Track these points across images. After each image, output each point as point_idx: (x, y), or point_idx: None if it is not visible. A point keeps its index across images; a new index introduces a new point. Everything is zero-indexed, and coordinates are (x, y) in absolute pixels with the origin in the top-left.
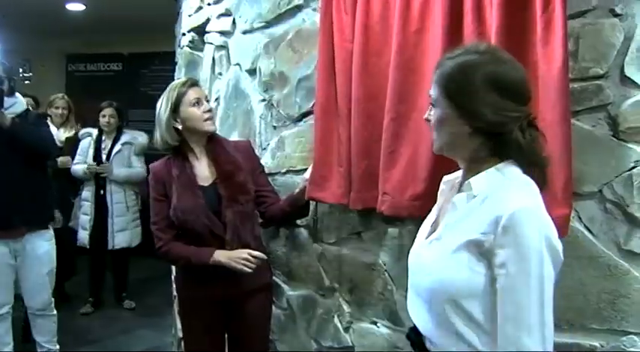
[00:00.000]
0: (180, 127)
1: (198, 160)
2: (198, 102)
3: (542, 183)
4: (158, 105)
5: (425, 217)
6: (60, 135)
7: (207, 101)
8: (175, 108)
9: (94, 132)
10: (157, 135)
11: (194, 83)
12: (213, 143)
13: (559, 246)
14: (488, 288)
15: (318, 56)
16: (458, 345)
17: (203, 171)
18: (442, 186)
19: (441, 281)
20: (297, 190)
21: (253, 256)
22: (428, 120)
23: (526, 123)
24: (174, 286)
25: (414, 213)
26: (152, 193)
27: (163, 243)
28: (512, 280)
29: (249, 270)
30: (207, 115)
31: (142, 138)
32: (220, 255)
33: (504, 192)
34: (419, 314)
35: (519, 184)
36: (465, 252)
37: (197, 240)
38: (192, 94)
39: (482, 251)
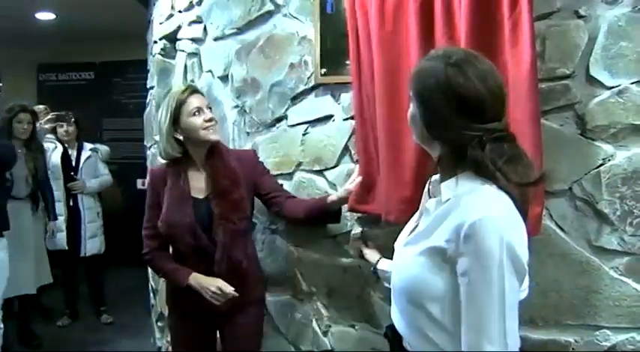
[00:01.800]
0: (181, 138)
1: (196, 171)
2: (199, 111)
3: (519, 198)
4: (159, 114)
5: None
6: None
7: (210, 109)
8: (175, 119)
9: (56, 142)
10: (160, 146)
11: (194, 90)
12: (214, 154)
13: (524, 256)
14: (451, 293)
15: (350, 62)
16: (427, 346)
17: (199, 182)
18: (428, 187)
19: (407, 284)
20: (330, 198)
21: (224, 291)
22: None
23: (490, 138)
24: (151, 295)
25: None
26: (147, 198)
27: (148, 250)
28: (473, 289)
29: (217, 303)
30: (208, 124)
31: (103, 146)
32: (195, 280)
33: (468, 200)
34: (395, 315)
35: (484, 192)
36: (428, 257)
37: (183, 256)
38: (192, 103)
39: (445, 258)
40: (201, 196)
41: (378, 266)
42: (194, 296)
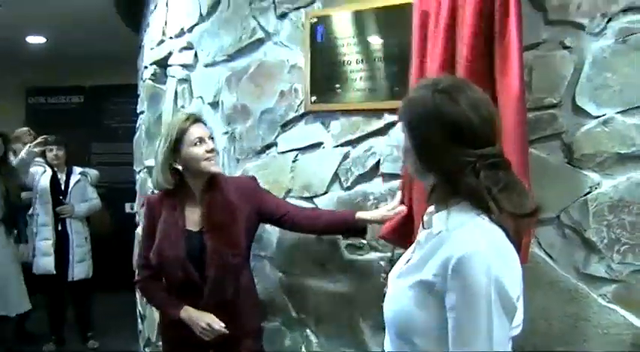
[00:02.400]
0: (180, 167)
1: (193, 203)
2: (200, 141)
3: (514, 229)
4: (157, 142)
5: None
6: None
7: (212, 139)
8: (175, 148)
9: (48, 168)
10: (155, 175)
11: (197, 119)
12: (213, 186)
13: (513, 292)
14: (438, 328)
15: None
16: None
17: (195, 215)
18: (425, 218)
19: (396, 316)
20: (360, 215)
21: (212, 327)
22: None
23: (484, 165)
24: (139, 321)
25: None
26: (144, 225)
27: (141, 278)
28: (460, 325)
29: (207, 339)
30: (209, 155)
31: (93, 171)
32: (186, 313)
33: (458, 234)
34: (386, 345)
35: (473, 226)
36: (417, 291)
37: (173, 288)
38: (194, 132)
39: (433, 292)
40: (195, 229)
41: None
42: (187, 327)
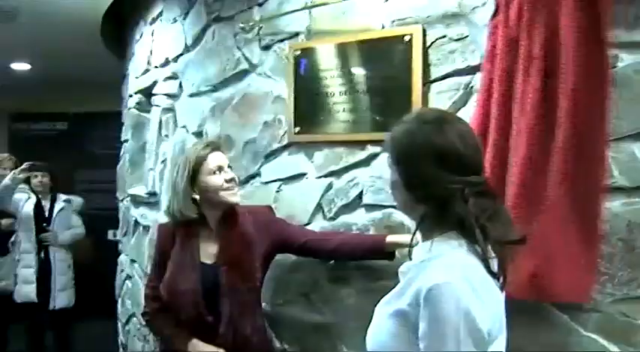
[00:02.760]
0: (197, 197)
1: (208, 234)
2: (219, 170)
3: (499, 257)
4: (173, 171)
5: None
6: None
7: (230, 168)
8: (193, 176)
9: (32, 195)
10: (175, 206)
11: (216, 148)
12: (229, 217)
13: (483, 324)
14: None
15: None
16: None
17: (210, 247)
18: (406, 250)
19: (374, 344)
20: (391, 238)
21: None
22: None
23: (472, 192)
24: (121, 350)
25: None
26: (153, 255)
27: (149, 310)
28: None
29: None
30: (229, 185)
31: (77, 198)
32: (193, 348)
33: (431, 266)
34: None
35: (450, 257)
36: (395, 320)
37: (185, 325)
38: (213, 161)
39: (408, 321)
40: (210, 262)
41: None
42: None
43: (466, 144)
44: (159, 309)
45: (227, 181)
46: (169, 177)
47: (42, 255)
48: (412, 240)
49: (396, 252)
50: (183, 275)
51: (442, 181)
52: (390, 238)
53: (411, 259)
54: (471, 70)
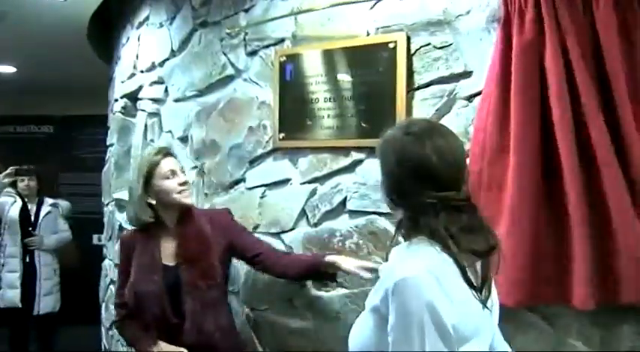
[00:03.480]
0: (152, 202)
1: (167, 237)
2: (172, 174)
3: (480, 265)
4: (131, 178)
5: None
6: None
7: (183, 172)
8: (147, 182)
9: (18, 199)
10: (131, 212)
11: (168, 153)
12: (186, 218)
13: (448, 318)
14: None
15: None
16: None
17: (170, 249)
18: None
19: (355, 340)
20: (330, 258)
21: None
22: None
23: (442, 206)
24: None
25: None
26: (119, 263)
27: (118, 318)
28: (395, 346)
29: None
30: (182, 188)
31: (64, 202)
32: (158, 349)
33: (400, 262)
34: None
35: (415, 255)
36: (371, 316)
37: (151, 326)
38: (165, 166)
39: (380, 316)
40: (171, 263)
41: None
42: None
43: (444, 160)
44: (126, 316)
45: (180, 185)
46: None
47: (27, 259)
48: (392, 240)
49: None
50: (146, 278)
51: (415, 194)
52: (328, 258)
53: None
54: (455, 78)
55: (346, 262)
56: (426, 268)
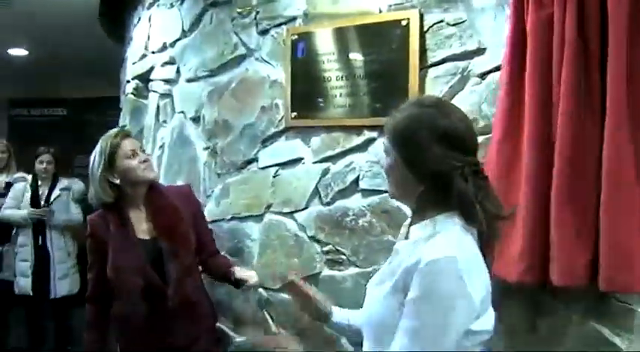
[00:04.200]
0: (117, 182)
1: (138, 213)
2: (133, 154)
3: (492, 233)
4: (91, 160)
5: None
6: (0, 180)
7: (143, 151)
8: (110, 163)
9: (29, 177)
10: (92, 191)
11: (127, 134)
12: (153, 193)
13: (477, 300)
14: None
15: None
16: None
17: (142, 224)
18: (403, 230)
19: (371, 320)
20: (233, 277)
21: None
22: (382, 167)
23: (470, 171)
24: None
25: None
26: (90, 249)
27: (91, 318)
28: (413, 319)
29: None
30: (144, 166)
31: (78, 184)
32: None
33: (431, 242)
34: (364, 348)
35: (448, 234)
36: (391, 296)
37: (136, 300)
38: (126, 146)
39: (401, 293)
40: (147, 237)
41: (334, 320)
42: (142, 334)
43: (467, 125)
44: (98, 314)
45: (141, 162)
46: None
47: (40, 242)
48: (412, 219)
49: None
50: (126, 253)
51: (445, 160)
52: (234, 269)
53: (407, 239)
54: (469, 55)
55: (246, 275)
56: (459, 248)
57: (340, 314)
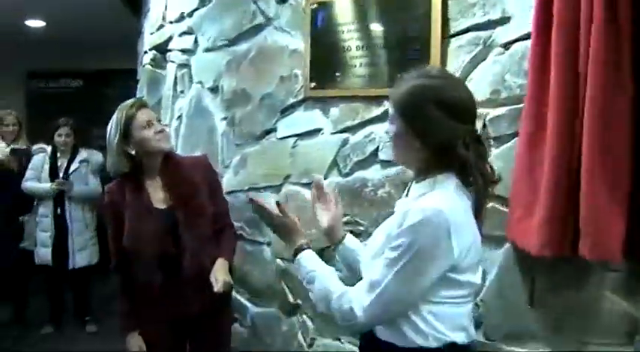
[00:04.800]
0: (133, 152)
1: (153, 183)
2: (149, 124)
3: (486, 196)
4: (108, 130)
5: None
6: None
7: (159, 121)
8: (126, 133)
9: (48, 149)
10: (109, 161)
11: (143, 105)
12: (169, 163)
13: (457, 255)
14: None
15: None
16: (396, 335)
17: (159, 193)
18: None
19: (367, 264)
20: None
21: None
22: (387, 133)
23: (471, 139)
24: None
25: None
26: (108, 218)
27: (116, 265)
28: (394, 259)
29: None
30: (159, 136)
31: (97, 156)
32: (133, 339)
33: (425, 196)
34: None
35: (440, 192)
36: (385, 245)
37: (152, 268)
38: (142, 117)
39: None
40: (163, 206)
41: (346, 243)
42: (156, 303)
43: (469, 96)
44: (121, 265)
45: (157, 133)
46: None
47: (58, 211)
48: (413, 180)
49: None
50: (142, 221)
51: (449, 129)
52: (215, 268)
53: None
54: (492, 24)
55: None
56: (448, 204)
57: (352, 244)
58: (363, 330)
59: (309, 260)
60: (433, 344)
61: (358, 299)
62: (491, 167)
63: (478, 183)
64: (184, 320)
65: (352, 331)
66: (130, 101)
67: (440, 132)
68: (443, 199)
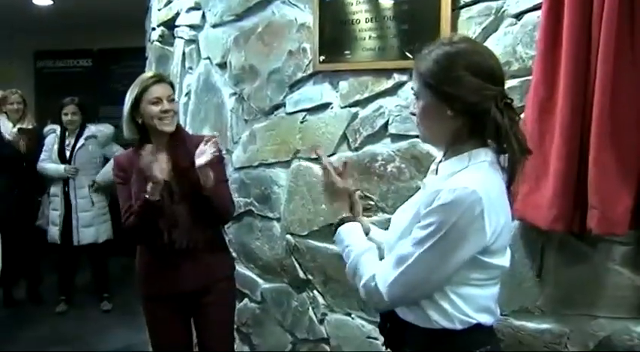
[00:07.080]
0: (139, 122)
1: (161, 154)
2: (157, 102)
3: (518, 167)
4: (126, 95)
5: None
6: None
7: (172, 100)
8: (136, 103)
9: (58, 129)
10: (123, 125)
11: (161, 79)
12: (176, 138)
13: (489, 236)
14: None
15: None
16: (416, 313)
17: (163, 165)
18: (432, 167)
19: (390, 244)
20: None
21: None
22: (413, 114)
23: (503, 103)
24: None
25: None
26: (116, 181)
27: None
28: (423, 238)
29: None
30: (163, 115)
31: (106, 129)
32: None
33: (457, 175)
34: None
35: (473, 169)
36: (412, 225)
37: (149, 239)
38: (153, 92)
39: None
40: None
41: (372, 236)
42: (162, 277)
43: (495, 59)
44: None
45: (162, 112)
46: None
47: (66, 189)
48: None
49: None
50: (143, 190)
51: (482, 92)
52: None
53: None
54: None
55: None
56: (482, 183)
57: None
58: (388, 309)
59: (347, 234)
60: (458, 327)
61: (383, 275)
62: (524, 135)
63: (514, 148)
64: (183, 295)
65: (377, 309)
66: (150, 73)
67: (472, 95)
68: (477, 178)
